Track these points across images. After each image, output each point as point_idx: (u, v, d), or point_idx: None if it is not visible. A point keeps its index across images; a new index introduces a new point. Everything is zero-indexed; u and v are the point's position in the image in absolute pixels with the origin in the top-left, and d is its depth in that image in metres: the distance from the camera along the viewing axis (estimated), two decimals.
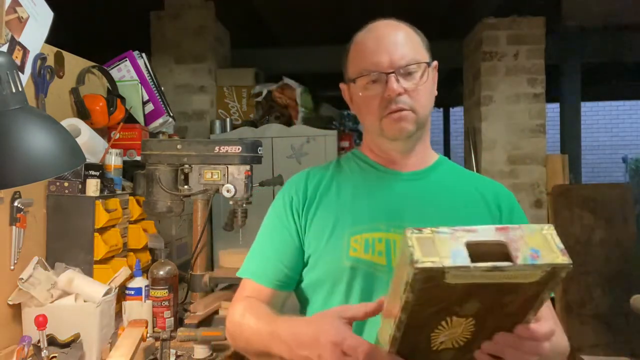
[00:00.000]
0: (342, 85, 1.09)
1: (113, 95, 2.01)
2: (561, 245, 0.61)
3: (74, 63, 1.88)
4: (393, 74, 0.97)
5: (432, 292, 0.60)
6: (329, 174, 1.09)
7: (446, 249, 0.58)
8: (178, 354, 1.56)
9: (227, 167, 1.73)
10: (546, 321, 0.70)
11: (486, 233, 0.61)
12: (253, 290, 1.05)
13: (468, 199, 1.05)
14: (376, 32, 1.02)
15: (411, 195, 1.03)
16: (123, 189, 1.90)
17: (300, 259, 1.05)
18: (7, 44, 1.42)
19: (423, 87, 1.00)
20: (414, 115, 1.00)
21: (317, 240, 1.02)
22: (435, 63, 1.07)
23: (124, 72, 2.17)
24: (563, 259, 0.59)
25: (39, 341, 1.38)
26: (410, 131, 1.01)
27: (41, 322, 1.36)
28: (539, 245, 0.60)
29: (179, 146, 1.75)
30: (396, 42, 1.00)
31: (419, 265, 0.57)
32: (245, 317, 0.97)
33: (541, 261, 0.59)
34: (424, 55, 1.02)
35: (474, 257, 0.58)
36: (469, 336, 0.69)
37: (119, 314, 1.72)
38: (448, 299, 0.62)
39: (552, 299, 3.39)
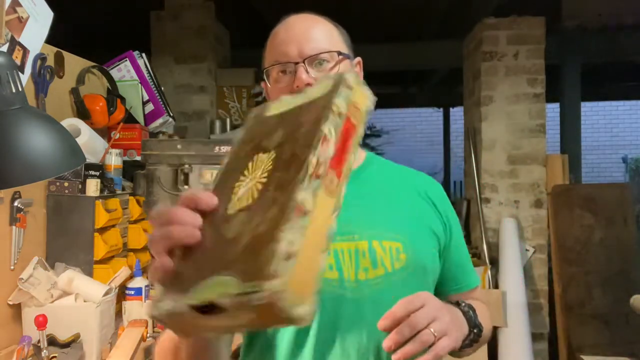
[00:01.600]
0: (263, 84, 1.02)
1: (113, 95, 2.01)
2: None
3: (74, 63, 1.88)
4: (302, 64, 0.91)
5: (254, 130, 0.66)
6: None
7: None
8: None
9: None
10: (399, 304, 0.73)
11: None
12: None
13: (405, 192, 1.01)
14: (288, 24, 0.97)
15: (347, 198, 0.98)
16: (123, 189, 1.90)
17: None
18: (7, 44, 1.42)
19: None
20: None
21: None
22: (357, 59, 1.01)
23: (124, 72, 2.17)
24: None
25: (39, 341, 1.39)
26: None
27: (41, 322, 1.36)
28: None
29: (179, 146, 1.76)
30: (307, 32, 0.94)
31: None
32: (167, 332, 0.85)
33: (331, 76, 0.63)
34: (340, 47, 0.96)
35: None
36: (264, 180, 0.59)
37: (119, 314, 1.72)
38: (261, 134, 0.64)
39: (552, 297, 3.39)
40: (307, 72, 0.91)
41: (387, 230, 0.93)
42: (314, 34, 0.94)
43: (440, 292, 1.03)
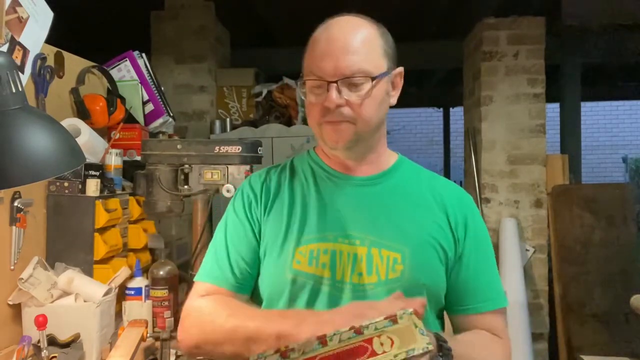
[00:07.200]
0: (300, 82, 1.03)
1: (113, 95, 2.01)
2: (422, 330, 0.69)
3: (74, 63, 1.88)
4: (335, 84, 0.90)
5: None
6: (283, 178, 1.04)
7: None
8: (178, 354, 1.56)
9: (227, 167, 1.73)
10: None
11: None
12: (208, 293, 0.98)
13: (423, 202, 1.01)
14: (330, 33, 0.94)
15: (363, 202, 0.99)
16: (123, 189, 1.90)
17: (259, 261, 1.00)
18: (7, 44, 1.42)
19: (369, 100, 0.92)
20: (353, 127, 0.93)
21: (269, 249, 0.98)
22: (398, 70, 1.00)
23: (124, 72, 2.17)
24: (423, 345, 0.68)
25: (39, 341, 1.39)
26: (348, 142, 0.94)
27: (41, 322, 1.36)
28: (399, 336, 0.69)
29: (179, 146, 1.75)
30: (347, 47, 0.91)
31: None
32: (218, 311, 0.92)
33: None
34: (378, 65, 0.94)
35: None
36: None
37: (119, 314, 1.72)
38: None
39: (552, 297, 3.39)
40: (339, 92, 0.91)
41: (391, 240, 0.94)
42: (353, 49, 0.92)
43: (448, 311, 1.02)
